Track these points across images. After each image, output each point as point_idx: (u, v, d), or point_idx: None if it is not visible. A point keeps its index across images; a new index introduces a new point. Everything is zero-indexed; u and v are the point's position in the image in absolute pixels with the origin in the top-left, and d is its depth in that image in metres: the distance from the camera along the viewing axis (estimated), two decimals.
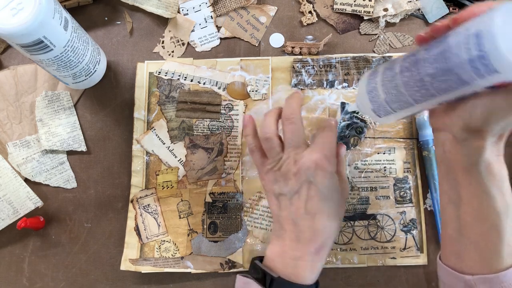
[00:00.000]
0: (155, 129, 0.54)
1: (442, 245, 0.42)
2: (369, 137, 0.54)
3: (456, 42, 0.29)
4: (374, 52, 0.56)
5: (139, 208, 0.53)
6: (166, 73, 0.55)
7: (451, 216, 0.40)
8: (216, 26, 0.57)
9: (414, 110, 0.36)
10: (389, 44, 0.56)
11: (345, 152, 0.49)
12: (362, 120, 0.54)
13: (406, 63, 0.34)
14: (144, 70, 0.56)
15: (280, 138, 0.45)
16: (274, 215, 0.45)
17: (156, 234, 0.52)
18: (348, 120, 0.54)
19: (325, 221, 0.42)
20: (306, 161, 0.42)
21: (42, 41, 0.43)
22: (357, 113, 0.54)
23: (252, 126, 0.47)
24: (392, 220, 0.52)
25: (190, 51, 0.57)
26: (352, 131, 0.53)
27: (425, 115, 0.52)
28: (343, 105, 0.54)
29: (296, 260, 0.42)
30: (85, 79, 0.53)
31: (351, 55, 0.55)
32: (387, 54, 0.55)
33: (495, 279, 0.36)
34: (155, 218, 0.53)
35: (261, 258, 0.45)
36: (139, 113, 0.55)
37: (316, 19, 0.56)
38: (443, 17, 0.56)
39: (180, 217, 0.53)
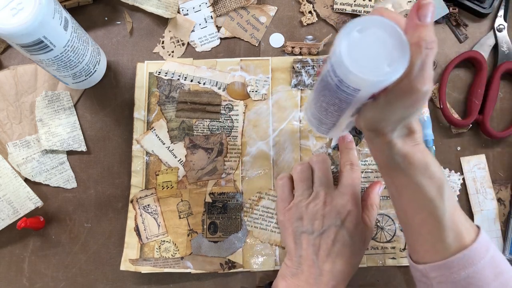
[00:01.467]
0: (155, 129, 0.54)
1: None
2: None
3: (326, 71, 0.33)
4: None
5: (139, 208, 0.53)
6: (166, 73, 0.55)
7: (396, 210, 0.41)
8: (216, 26, 0.57)
9: (339, 126, 0.40)
10: None
11: (378, 200, 0.49)
12: None
13: (313, 94, 0.39)
14: (144, 70, 0.56)
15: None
16: (291, 252, 0.45)
17: (156, 234, 0.52)
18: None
19: (344, 266, 0.43)
20: (338, 205, 0.44)
21: (42, 41, 0.43)
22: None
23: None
24: (392, 220, 0.52)
25: (190, 51, 0.57)
26: (352, 131, 0.53)
27: (426, 115, 0.52)
28: None
29: None
30: (85, 79, 0.53)
31: None
32: None
33: (444, 266, 0.36)
34: (155, 218, 0.53)
35: (269, 283, 0.46)
36: (139, 113, 0.55)
37: (316, 19, 0.56)
38: (443, 17, 0.56)
39: (180, 217, 0.53)
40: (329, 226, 0.44)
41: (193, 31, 0.57)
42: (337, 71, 0.30)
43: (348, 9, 0.56)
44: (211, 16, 0.57)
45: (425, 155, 0.37)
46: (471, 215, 0.52)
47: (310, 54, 0.56)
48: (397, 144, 0.36)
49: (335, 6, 0.56)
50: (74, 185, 0.54)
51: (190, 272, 0.51)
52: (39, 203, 0.53)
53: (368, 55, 0.29)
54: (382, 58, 0.29)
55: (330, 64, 0.31)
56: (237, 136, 0.54)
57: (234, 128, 0.54)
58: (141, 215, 0.53)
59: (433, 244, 0.37)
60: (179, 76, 0.55)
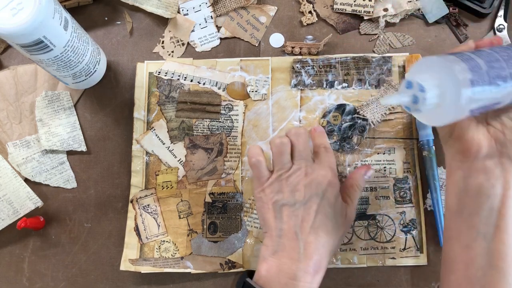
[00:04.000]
0: (155, 129, 0.54)
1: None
2: (369, 137, 0.54)
3: None
4: (374, 52, 0.56)
5: (139, 208, 0.53)
6: (166, 73, 0.55)
7: (477, 254, 0.37)
8: (216, 26, 0.57)
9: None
10: (389, 44, 0.56)
11: (362, 182, 0.49)
12: (364, 119, 0.53)
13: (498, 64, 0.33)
14: (144, 70, 0.56)
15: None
16: (271, 228, 0.43)
17: (156, 234, 0.52)
18: (350, 121, 0.54)
19: (325, 238, 0.42)
20: (319, 176, 0.43)
21: (42, 41, 0.43)
22: (358, 113, 0.54)
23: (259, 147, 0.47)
24: (392, 220, 0.52)
25: (190, 51, 0.57)
26: (355, 131, 0.53)
27: None
28: (342, 106, 0.54)
29: (294, 281, 0.40)
30: (85, 79, 0.53)
31: (351, 55, 0.55)
32: (387, 54, 0.55)
33: None
34: (154, 218, 0.53)
35: (250, 273, 0.44)
36: (139, 113, 0.55)
37: (316, 19, 0.56)
38: (443, 17, 0.56)
39: (180, 217, 0.53)
40: (310, 196, 0.42)
41: (193, 31, 0.57)
42: None
43: (348, 9, 0.56)
44: (211, 16, 0.57)
45: None
46: None
47: (310, 54, 0.56)
48: None
49: (335, 6, 0.56)
50: (74, 185, 0.54)
51: (190, 272, 0.51)
52: (39, 203, 0.53)
53: None
54: None
55: None
56: (237, 136, 0.54)
57: (234, 128, 0.54)
58: (141, 215, 0.53)
59: None
60: (179, 76, 0.55)
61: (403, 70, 0.55)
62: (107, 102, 0.56)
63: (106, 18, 0.57)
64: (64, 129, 0.54)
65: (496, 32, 0.55)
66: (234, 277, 0.52)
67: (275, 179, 0.44)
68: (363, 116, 0.53)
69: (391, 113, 0.54)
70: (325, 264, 0.42)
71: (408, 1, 0.55)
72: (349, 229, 0.49)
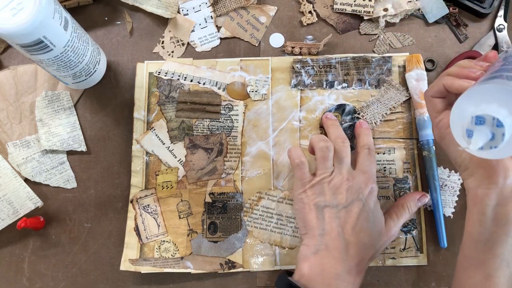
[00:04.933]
0: (155, 129, 0.54)
1: None
2: None
3: None
4: (374, 52, 0.56)
5: (139, 208, 0.53)
6: (166, 73, 0.55)
7: (500, 283, 0.36)
8: (216, 26, 0.57)
9: None
10: (389, 44, 0.56)
11: (414, 206, 0.49)
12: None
13: None
14: (144, 70, 0.56)
15: None
16: (311, 228, 0.44)
17: (156, 234, 0.52)
18: (349, 121, 0.54)
19: (367, 241, 0.43)
20: (359, 181, 0.44)
21: (42, 41, 0.43)
22: (359, 114, 0.54)
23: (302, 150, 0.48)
24: None
25: (190, 51, 0.57)
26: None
27: (426, 115, 0.52)
28: (342, 107, 0.54)
29: (337, 280, 0.40)
30: (85, 79, 0.53)
31: (351, 55, 0.55)
32: (387, 54, 0.55)
33: None
34: (154, 218, 0.53)
35: (289, 273, 0.44)
36: (139, 113, 0.55)
37: (316, 19, 0.56)
38: (443, 17, 0.56)
39: (180, 217, 0.53)
40: (352, 200, 0.43)
41: (193, 31, 0.57)
42: None
43: (348, 9, 0.56)
44: (211, 16, 0.57)
45: None
46: None
47: (310, 54, 0.56)
48: None
49: (335, 6, 0.56)
50: (74, 185, 0.54)
51: (190, 272, 0.51)
52: (39, 203, 0.53)
53: None
54: None
55: None
56: (237, 136, 0.54)
57: (234, 128, 0.54)
58: (141, 215, 0.53)
59: None
60: (179, 76, 0.55)
61: (403, 70, 0.55)
62: (107, 102, 0.56)
63: (106, 18, 0.57)
64: (64, 129, 0.54)
65: (496, 32, 0.55)
66: (234, 277, 0.52)
67: (317, 181, 0.45)
68: (364, 118, 0.53)
69: (392, 113, 0.54)
70: (365, 268, 0.43)
71: (408, 1, 0.55)
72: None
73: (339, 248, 0.42)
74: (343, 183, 0.44)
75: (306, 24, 0.56)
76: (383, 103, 0.54)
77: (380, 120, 0.53)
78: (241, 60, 0.56)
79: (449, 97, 0.39)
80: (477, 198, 0.37)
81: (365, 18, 0.56)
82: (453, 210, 0.52)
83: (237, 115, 0.55)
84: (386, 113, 0.54)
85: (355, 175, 0.45)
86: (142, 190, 0.53)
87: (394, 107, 0.54)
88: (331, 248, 0.42)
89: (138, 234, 0.52)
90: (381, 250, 0.46)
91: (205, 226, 0.53)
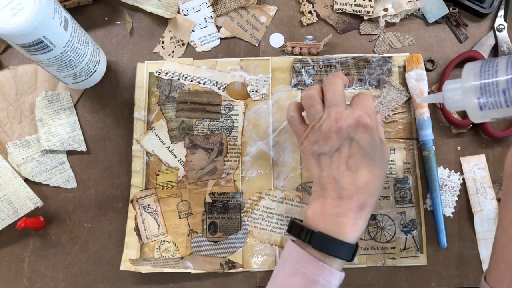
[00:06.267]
0: (155, 129, 0.54)
1: (493, 268, 0.40)
2: None
3: None
4: (374, 52, 0.56)
5: (139, 208, 0.53)
6: (166, 73, 0.55)
7: (500, 224, 0.38)
8: (216, 26, 0.57)
9: None
10: (389, 44, 0.56)
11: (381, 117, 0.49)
12: None
13: None
14: (144, 70, 0.56)
15: (322, 100, 0.45)
16: (315, 177, 0.45)
17: (156, 234, 0.52)
18: None
19: (367, 177, 0.42)
20: (347, 118, 0.43)
21: (42, 41, 0.43)
22: None
23: (296, 102, 0.48)
24: (392, 220, 0.52)
25: (190, 51, 0.57)
26: None
27: (426, 115, 0.52)
28: None
29: (337, 217, 0.42)
30: (85, 79, 0.53)
31: (351, 55, 0.55)
32: (387, 54, 0.55)
33: None
34: (155, 218, 0.53)
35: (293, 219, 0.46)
36: (139, 113, 0.55)
37: (316, 19, 0.56)
38: (443, 17, 0.56)
39: (180, 217, 0.53)
40: (342, 140, 0.43)
41: (193, 31, 0.57)
42: None
43: (348, 9, 0.56)
44: (211, 16, 0.57)
45: None
46: (471, 215, 0.52)
47: (310, 54, 0.56)
48: None
49: (335, 6, 0.56)
50: (74, 185, 0.54)
51: (190, 272, 0.51)
52: (39, 203, 0.53)
53: None
54: None
55: None
56: (237, 136, 0.54)
57: (234, 128, 0.54)
58: (141, 215, 0.53)
59: None
60: (179, 76, 0.55)
61: (403, 70, 0.55)
62: (107, 102, 0.56)
63: (106, 18, 0.57)
64: (64, 129, 0.54)
65: (496, 32, 0.55)
66: (234, 277, 0.52)
67: (309, 131, 0.45)
68: None
69: (394, 114, 0.54)
70: (370, 202, 0.43)
71: (408, 1, 0.55)
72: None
73: (337, 190, 0.43)
74: (331, 126, 0.43)
75: (306, 24, 0.56)
76: (385, 105, 0.54)
77: (384, 123, 0.53)
78: (241, 60, 0.56)
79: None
80: None
81: (365, 18, 0.56)
82: (453, 210, 0.52)
83: (237, 115, 0.55)
84: (388, 115, 0.54)
85: (345, 113, 0.43)
86: (142, 190, 0.53)
87: (395, 108, 0.54)
88: (330, 191, 0.43)
89: (138, 234, 0.52)
90: (384, 179, 0.45)
91: (205, 226, 0.53)
